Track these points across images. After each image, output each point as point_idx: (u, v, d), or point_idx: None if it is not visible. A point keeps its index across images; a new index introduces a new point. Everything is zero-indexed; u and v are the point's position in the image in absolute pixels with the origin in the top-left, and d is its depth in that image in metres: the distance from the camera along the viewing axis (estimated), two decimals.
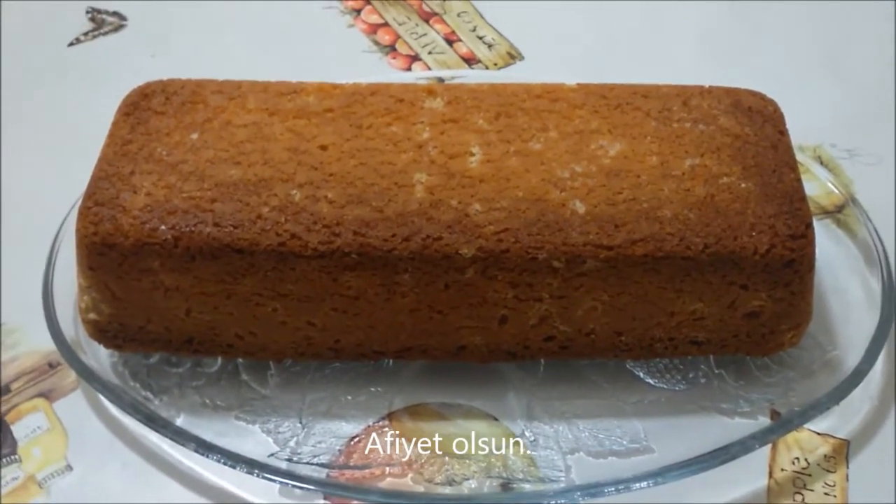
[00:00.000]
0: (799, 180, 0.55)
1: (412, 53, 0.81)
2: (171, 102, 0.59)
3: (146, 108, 0.59)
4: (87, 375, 0.56)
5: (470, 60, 0.81)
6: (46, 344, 0.58)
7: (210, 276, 0.54)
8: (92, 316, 0.56)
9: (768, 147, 0.56)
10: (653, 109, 0.58)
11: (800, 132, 0.60)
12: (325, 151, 0.56)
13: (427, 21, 0.84)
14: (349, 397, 0.57)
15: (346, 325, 0.55)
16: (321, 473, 0.53)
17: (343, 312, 0.55)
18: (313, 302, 0.54)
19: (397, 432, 0.56)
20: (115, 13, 0.84)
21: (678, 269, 0.53)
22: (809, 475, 0.54)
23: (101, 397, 0.56)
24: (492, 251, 0.52)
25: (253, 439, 0.55)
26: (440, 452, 0.54)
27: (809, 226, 0.53)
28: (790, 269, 0.53)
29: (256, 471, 0.52)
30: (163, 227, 0.53)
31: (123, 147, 0.57)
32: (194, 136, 0.57)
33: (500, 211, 0.53)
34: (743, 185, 0.54)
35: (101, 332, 0.57)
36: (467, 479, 0.53)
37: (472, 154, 0.56)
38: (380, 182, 0.54)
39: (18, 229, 0.67)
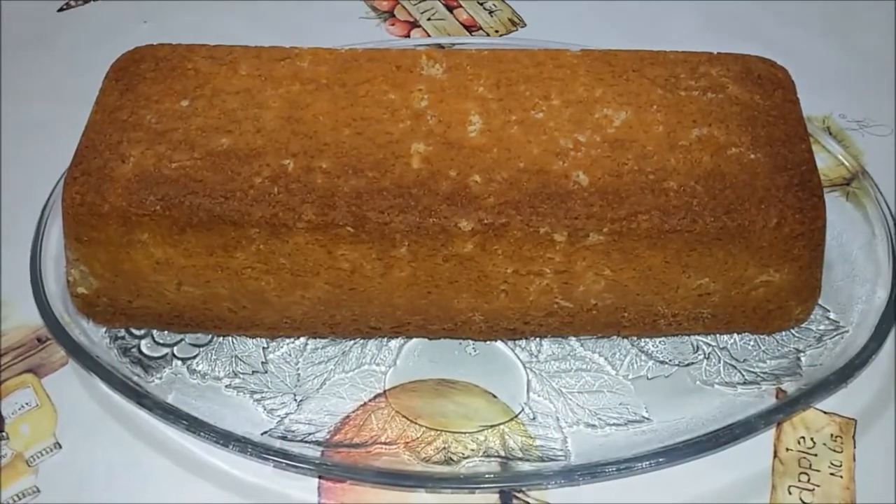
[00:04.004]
0: (810, 151, 0.53)
1: (411, 20, 0.79)
2: (160, 68, 0.57)
3: (135, 73, 0.57)
4: (76, 352, 0.54)
5: (471, 27, 0.78)
6: (35, 318, 0.57)
7: (201, 248, 0.52)
8: (81, 290, 0.55)
9: (778, 117, 0.54)
10: (659, 77, 0.56)
11: (808, 102, 0.58)
12: (320, 120, 0.54)
13: None
14: (344, 374, 0.56)
15: (341, 300, 0.54)
16: (316, 452, 0.52)
17: (338, 287, 0.53)
18: (307, 276, 0.53)
19: (393, 410, 0.54)
20: None
21: (684, 244, 0.51)
22: (815, 455, 0.53)
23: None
24: (491, 224, 0.50)
25: (246, 416, 0.54)
26: (437, 430, 0.53)
27: (820, 198, 0.52)
28: (799, 243, 0.51)
29: (250, 449, 0.51)
30: (152, 198, 0.51)
31: (111, 114, 0.55)
32: (184, 103, 0.55)
33: (501, 182, 0.51)
34: (752, 156, 0.52)
35: (90, 306, 0.55)
36: (465, 458, 0.52)
37: (472, 123, 0.54)
38: (376, 152, 0.52)
39: (7, 198, 0.65)
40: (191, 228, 0.51)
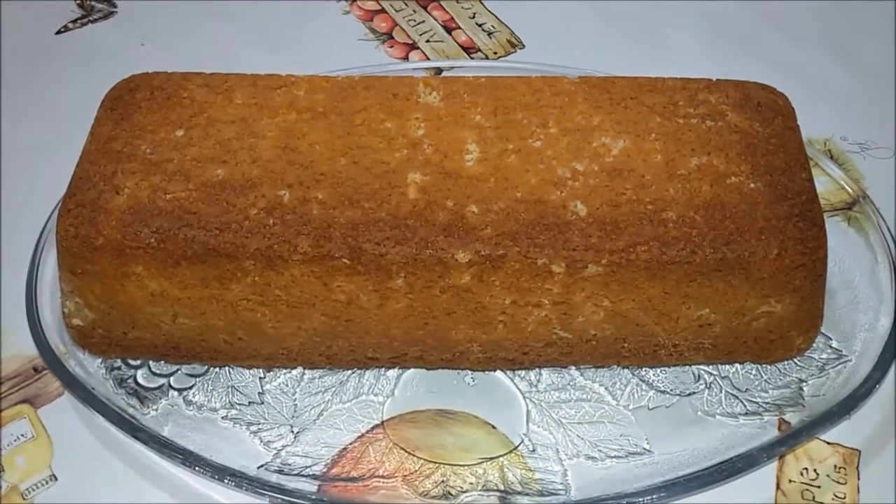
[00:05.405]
0: (810, 180, 0.53)
1: (410, 42, 0.79)
2: (155, 97, 0.56)
3: (130, 102, 0.56)
4: (71, 385, 0.54)
5: (469, 49, 0.78)
6: (31, 347, 0.56)
7: (196, 280, 0.52)
8: (76, 321, 0.55)
9: (778, 145, 0.54)
10: (657, 104, 0.55)
11: (809, 124, 0.57)
12: (316, 149, 0.54)
13: (425, 7, 0.82)
14: (342, 404, 0.55)
15: (337, 331, 0.53)
16: (312, 486, 0.51)
17: (335, 318, 0.53)
18: (303, 308, 0.52)
19: (391, 441, 0.54)
20: (105, 0, 0.82)
21: (684, 275, 0.50)
22: (818, 487, 0.52)
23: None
24: (489, 256, 0.50)
25: (242, 449, 0.53)
26: (435, 463, 0.53)
27: (821, 228, 0.51)
28: (800, 274, 0.51)
29: (245, 484, 0.50)
30: (146, 231, 0.51)
31: (106, 144, 0.54)
32: (179, 132, 0.54)
33: (498, 213, 0.51)
34: (752, 186, 0.52)
35: (86, 338, 0.55)
36: (463, 492, 0.51)
37: (469, 152, 0.53)
38: (372, 182, 0.52)
39: (4, 225, 0.65)
40: (185, 261, 0.51)
